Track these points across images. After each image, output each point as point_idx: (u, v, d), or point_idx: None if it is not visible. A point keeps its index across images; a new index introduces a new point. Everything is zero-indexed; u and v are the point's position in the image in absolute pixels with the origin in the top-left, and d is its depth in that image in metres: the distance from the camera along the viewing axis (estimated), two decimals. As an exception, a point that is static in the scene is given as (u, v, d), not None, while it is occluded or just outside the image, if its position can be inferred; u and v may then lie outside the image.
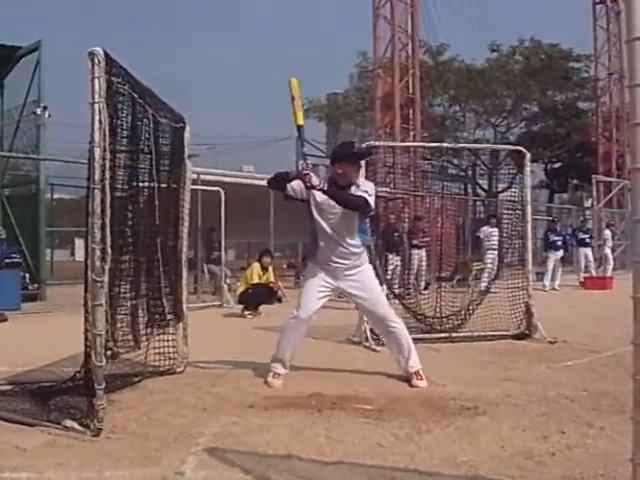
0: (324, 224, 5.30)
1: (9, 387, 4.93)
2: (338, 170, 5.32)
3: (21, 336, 8.42)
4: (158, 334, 5.27)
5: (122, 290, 4.83)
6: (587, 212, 27.24)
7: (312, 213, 5.34)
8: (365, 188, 5.30)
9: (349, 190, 5.28)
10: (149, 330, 5.30)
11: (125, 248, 4.80)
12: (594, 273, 18.42)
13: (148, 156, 5.15)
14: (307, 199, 5.32)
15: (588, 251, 18.52)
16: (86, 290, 4.17)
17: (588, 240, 18.60)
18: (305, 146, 5.36)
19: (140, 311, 5.26)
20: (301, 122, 5.30)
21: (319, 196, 5.27)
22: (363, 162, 7.17)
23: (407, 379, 5.37)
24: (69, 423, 3.92)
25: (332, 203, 5.24)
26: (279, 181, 5.38)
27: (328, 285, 5.41)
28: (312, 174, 5.16)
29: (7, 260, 11.87)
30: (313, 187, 5.15)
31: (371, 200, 5.27)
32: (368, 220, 5.64)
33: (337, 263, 5.34)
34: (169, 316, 5.64)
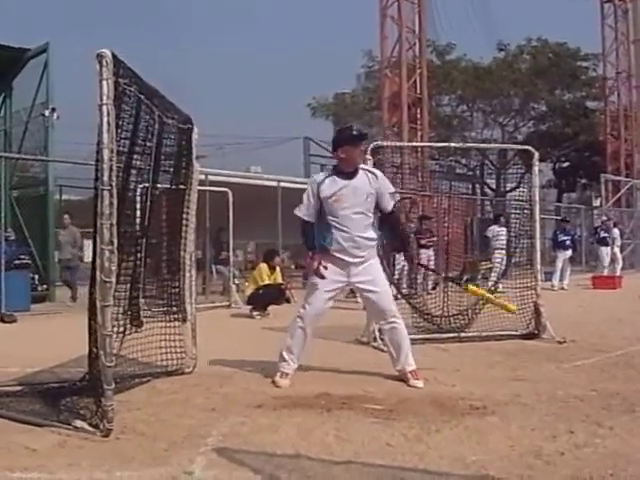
0: (339, 215, 5.29)
1: (19, 388, 4.95)
2: (341, 155, 5.36)
3: (30, 337, 8.46)
4: (130, 334, 5.16)
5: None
6: (595, 211, 27.17)
7: (327, 208, 5.31)
8: (386, 184, 5.50)
9: (357, 175, 5.36)
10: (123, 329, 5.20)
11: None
12: (605, 272, 18.35)
13: (152, 157, 5.15)
14: (319, 200, 5.32)
15: (609, 250, 18.48)
16: (91, 291, 4.19)
17: (609, 239, 18.54)
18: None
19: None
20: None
21: (329, 188, 5.28)
22: (370, 162, 7.23)
23: (403, 378, 5.36)
24: (79, 424, 3.93)
25: (345, 191, 5.27)
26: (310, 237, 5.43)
27: (339, 282, 5.39)
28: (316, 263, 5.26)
29: (16, 261, 11.92)
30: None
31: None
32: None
33: (351, 256, 5.32)
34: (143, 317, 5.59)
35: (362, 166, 5.54)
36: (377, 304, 5.48)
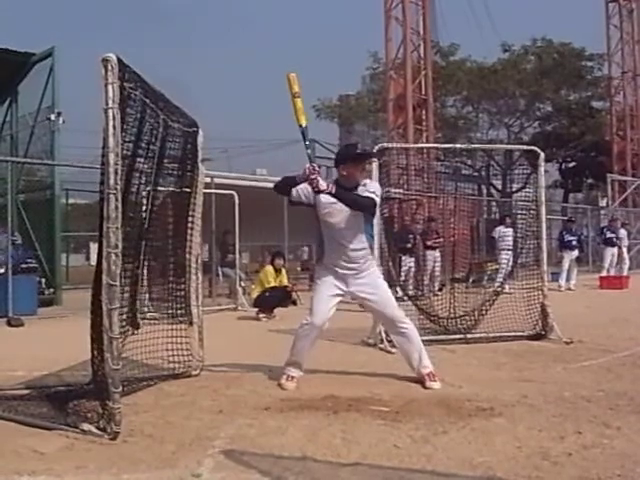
0: (330, 228, 5.28)
1: (26, 391, 4.97)
2: (343, 172, 5.32)
3: (38, 341, 8.48)
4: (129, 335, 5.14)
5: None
6: (602, 211, 27.11)
7: (321, 220, 5.32)
8: (372, 189, 5.32)
9: (356, 191, 5.26)
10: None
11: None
12: (612, 272, 18.27)
13: (156, 160, 5.15)
14: (313, 203, 5.27)
15: (615, 250, 18.41)
16: (93, 294, 4.20)
17: (615, 240, 18.46)
18: (309, 148, 5.23)
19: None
20: (303, 123, 5.20)
21: (325, 199, 5.21)
22: (375, 164, 7.23)
23: (420, 381, 5.35)
24: (86, 427, 3.94)
25: (339, 206, 5.19)
26: (285, 185, 5.32)
27: (339, 290, 5.38)
28: (320, 177, 5.10)
29: (23, 265, 11.93)
30: (321, 191, 5.09)
31: (378, 200, 5.32)
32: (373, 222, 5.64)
33: (344, 268, 5.31)
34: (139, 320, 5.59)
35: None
36: (381, 311, 5.48)
